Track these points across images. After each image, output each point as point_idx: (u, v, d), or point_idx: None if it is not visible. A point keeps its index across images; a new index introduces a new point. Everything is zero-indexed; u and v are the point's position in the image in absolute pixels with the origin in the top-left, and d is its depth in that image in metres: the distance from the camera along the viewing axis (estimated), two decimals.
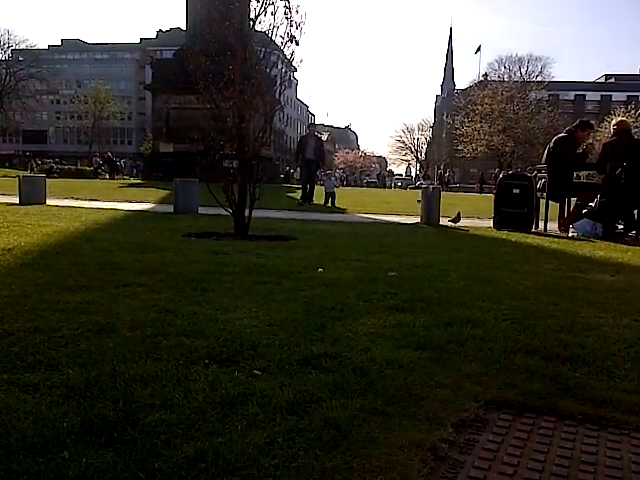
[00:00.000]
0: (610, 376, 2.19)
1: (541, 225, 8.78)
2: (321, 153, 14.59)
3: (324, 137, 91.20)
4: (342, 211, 12.27)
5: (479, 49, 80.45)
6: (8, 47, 66.76)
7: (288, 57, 6.56)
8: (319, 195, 14.50)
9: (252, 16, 6.43)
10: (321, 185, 15.37)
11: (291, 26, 6.23)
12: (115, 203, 11.55)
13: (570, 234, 8.15)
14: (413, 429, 1.67)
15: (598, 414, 1.87)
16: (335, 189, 14.64)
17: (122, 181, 30.66)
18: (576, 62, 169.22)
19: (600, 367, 2.28)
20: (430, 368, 2.17)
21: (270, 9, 6.24)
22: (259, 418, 1.69)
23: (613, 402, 1.94)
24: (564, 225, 8.52)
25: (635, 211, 8.19)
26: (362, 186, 53.14)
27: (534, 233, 8.20)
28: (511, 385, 2.05)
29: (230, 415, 1.70)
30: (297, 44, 6.27)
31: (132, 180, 32.90)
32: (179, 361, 2.12)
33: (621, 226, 8.32)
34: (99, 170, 39.13)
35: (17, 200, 10.29)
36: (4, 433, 1.53)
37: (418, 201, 17.41)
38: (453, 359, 2.30)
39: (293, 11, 6.24)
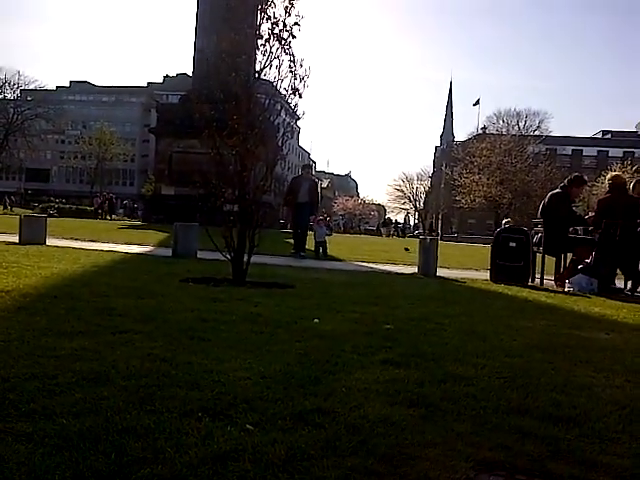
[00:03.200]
0: (602, 439, 2.20)
1: (537, 279, 8.83)
2: (316, 197, 13.50)
3: (324, 184, 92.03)
4: (339, 259, 12.30)
5: (478, 102, 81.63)
6: (17, 87, 68.18)
7: (292, 108, 6.74)
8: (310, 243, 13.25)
9: (257, 68, 6.62)
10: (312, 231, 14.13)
11: (295, 79, 6.43)
12: (114, 245, 11.60)
13: (566, 289, 8.19)
14: None
15: (588, 478, 1.87)
16: (327, 237, 13.42)
17: (122, 222, 30.82)
18: (573, 116, 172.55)
19: (592, 429, 2.29)
20: (422, 426, 2.18)
21: (275, 63, 6.45)
22: (250, 475, 1.69)
23: (604, 466, 1.94)
24: (560, 280, 8.56)
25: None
26: (361, 233, 53.51)
27: (530, 287, 8.24)
28: (503, 446, 2.05)
29: (222, 471, 1.70)
30: (300, 97, 6.46)
31: (132, 221, 33.10)
32: (172, 413, 2.13)
33: (620, 284, 8.34)
34: (99, 210, 39.45)
35: (17, 239, 10.34)
36: None
37: (406, 249, 17.53)
38: (446, 418, 2.30)
39: (297, 65, 6.45)
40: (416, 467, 1.82)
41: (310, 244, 12.82)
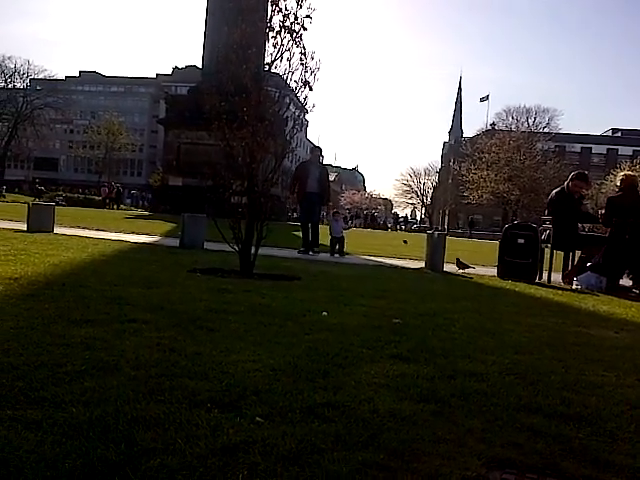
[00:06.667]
0: (613, 438, 2.17)
1: (545, 276, 8.78)
2: (326, 186, 11.80)
3: (331, 177, 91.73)
4: (347, 253, 12.23)
5: (486, 97, 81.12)
6: (27, 76, 68.51)
7: (302, 101, 6.70)
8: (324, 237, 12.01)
9: (268, 61, 6.59)
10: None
11: (306, 72, 6.39)
12: (122, 234, 11.62)
13: (574, 286, 8.13)
14: None
15: (600, 477, 1.84)
16: (345, 232, 11.49)
17: (129, 212, 30.88)
18: (582, 114, 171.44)
19: (603, 428, 2.26)
20: (433, 422, 2.16)
21: (286, 55, 6.40)
22: (260, 468, 1.68)
23: (616, 466, 1.92)
24: (568, 277, 8.51)
25: None
26: (367, 227, 53.51)
27: (538, 284, 8.19)
28: (514, 443, 2.03)
29: (231, 463, 1.69)
30: (311, 89, 6.41)
31: (139, 211, 33.18)
32: (182, 404, 2.12)
33: (630, 282, 8.28)
34: (107, 200, 39.59)
35: (25, 227, 10.37)
36: (5, 473, 1.53)
37: (404, 241, 17.51)
38: (456, 413, 2.28)
39: (308, 57, 6.40)
40: (427, 463, 1.81)
41: (324, 239, 11.74)
